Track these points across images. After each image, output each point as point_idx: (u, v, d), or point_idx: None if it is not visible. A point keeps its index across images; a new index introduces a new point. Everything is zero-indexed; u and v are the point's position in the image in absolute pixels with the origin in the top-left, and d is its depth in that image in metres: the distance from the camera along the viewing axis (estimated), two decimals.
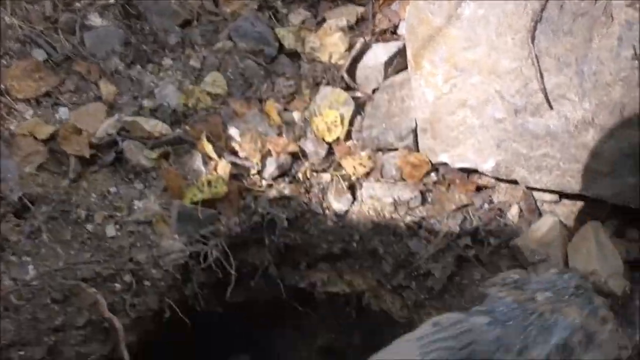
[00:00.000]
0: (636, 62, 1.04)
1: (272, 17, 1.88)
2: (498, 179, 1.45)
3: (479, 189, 1.49)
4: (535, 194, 1.41)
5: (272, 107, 1.64)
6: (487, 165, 1.42)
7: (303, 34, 1.82)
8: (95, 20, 1.71)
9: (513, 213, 1.43)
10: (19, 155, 1.42)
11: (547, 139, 1.28)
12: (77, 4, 1.70)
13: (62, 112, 1.53)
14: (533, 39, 1.22)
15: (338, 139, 1.59)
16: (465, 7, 1.34)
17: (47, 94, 1.54)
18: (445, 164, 1.52)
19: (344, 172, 1.55)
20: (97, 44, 1.66)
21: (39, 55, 1.59)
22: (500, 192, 1.46)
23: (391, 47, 1.63)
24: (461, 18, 1.35)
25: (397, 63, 1.63)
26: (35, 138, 1.44)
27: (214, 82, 1.70)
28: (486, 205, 1.46)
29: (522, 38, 1.24)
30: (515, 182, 1.41)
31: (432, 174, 1.54)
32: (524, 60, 1.25)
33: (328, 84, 1.68)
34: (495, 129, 1.36)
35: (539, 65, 1.22)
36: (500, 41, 1.29)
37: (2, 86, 1.50)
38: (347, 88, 1.68)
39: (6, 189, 1.35)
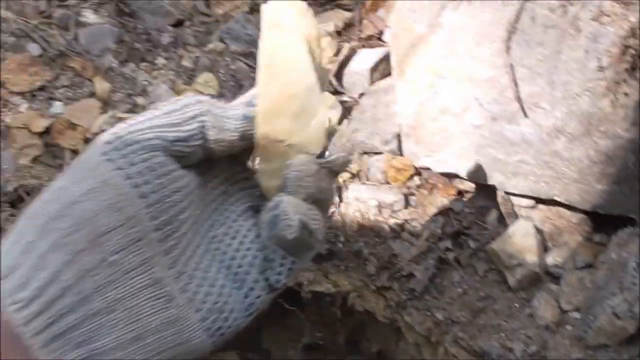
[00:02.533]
0: (601, 73, 1.08)
1: None
2: (477, 184, 1.49)
3: (460, 193, 1.53)
4: (513, 199, 1.45)
5: None
6: (466, 171, 1.46)
7: None
8: (89, 17, 1.75)
9: (492, 217, 1.47)
10: (15, 147, 1.46)
11: (523, 145, 1.32)
12: (72, 0, 1.74)
13: (57, 107, 1.57)
14: (508, 49, 1.26)
15: None
16: (446, 16, 1.38)
17: (42, 88, 1.58)
18: (428, 169, 1.56)
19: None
20: (91, 41, 1.70)
21: (34, 49, 1.62)
22: (479, 197, 1.50)
23: (377, 53, 1.67)
24: (443, 27, 1.39)
25: (383, 69, 1.67)
26: (30, 131, 1.49)
27: (206, 82, 1.74)
28: (466, 210, 1.50)
29: (498, 48, 1.28)
30: (493, 187, 1.45)
31: (416, 178, 1.58)
32: (500, 69, 1.29)
33: None
34: (474, 135, 1.40)
35: (513, 75, 1.26)
36: (478, 50, 1.33)
37: None
38: (335, 92, 1.72)
39: (3, 180, 1.39)
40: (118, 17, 1.77)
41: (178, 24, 1.84)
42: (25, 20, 1.64)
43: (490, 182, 1.43)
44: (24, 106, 1.54)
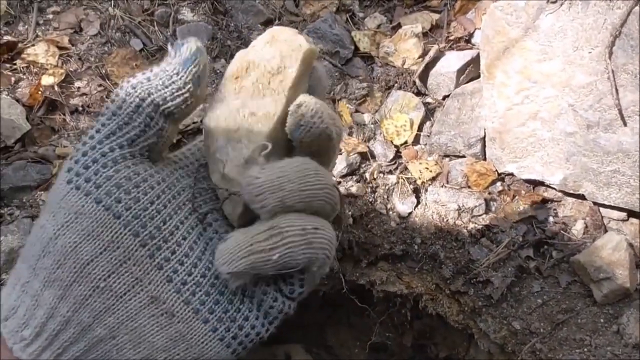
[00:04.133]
0: None
1: (349, 20, 1.94)
2: (565, 193, 1.44)
3: (544, 201, 1.49)
4: (603, 210, 1.40)
5: (345, 107, 1.70)
6: (554, 179, 1.41)
7: (378, 38, 1.87)
8: (186, 14, 1.83)
9: (578, 228, 1.42)
10: None
11: (619, 155, 1.26)
12: None
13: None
14: (610, 54, 1.21)
15: (406, 142, 1.63)
16: (543, 20, 1.34)
17: None
18: (511, 174, 1.53)
19: (410, 175, 1.59)
20: (187, 37, 1.77)
21: (136, 44, 1.72)
22: (566, 206, 1.45)
23: (464, 56, 1.65)
24: (538, 30, 1.35)
25: (469, 71, 1.64)
26: None
27: None
28: (551, 219, 1.46)
29: (599, 53, 1.24)
30: (582, 197, 1.40)
31: (498, 184, 1.55)
32: (600, 75, 1.24)
33: (400, 88, 1.73)
34: (566, 142, 1.36)
35: (615, 81, 1.21)
36: (576, 55, 1.29)
37: (104, 71, 1.65)
38: (418, 93, 1.71)
39: None
40: (212, 15, 1.84)
41: (268, 22, 1.89)
42: (130, 17, 1.73)
43: (580, 191, 1.38)
44: None
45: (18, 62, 1.61)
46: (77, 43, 1.70)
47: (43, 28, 1.71)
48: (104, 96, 1.62)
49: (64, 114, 1.56)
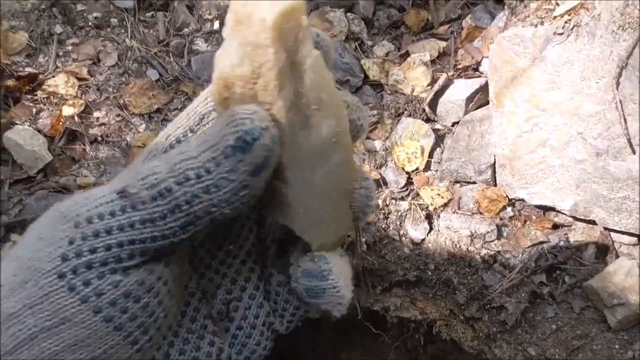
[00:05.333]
0: None
1: (358, 48, 1.98)
2: (575, 218, 1.46)
3: (555, 226, 1.51)
4: (613, 235, 1.42)
5: None
6: (565, 204, 1.44)
7: (387, 66, 1.91)
8: (201, 45, 1.88)
9: (589, 253, 1.44)
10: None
11: (629, 182, 1.29)
12: (186, 30, 1.88)
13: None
14: (618, 84, 1.24)
15: (417, 169, 1.66)
16: (550, 50, 1.38)
17: (158, 110, 1.72)
18: (522, 200, 1.55)
19: (422, 201, 1.62)
20: (201, 67, 1.82)
21: (153, 75, 1.77)
22: (576, 232, 1.48)
23: (473, 84, 1.69)
24: (545, 60, 1.39)
25: (478, 99, 1.68)
26: None
27: None
28: (562, 244, 1.48)
29: (606, 83, 1.27)
30: (593, 222, 1.42)
31: (509, 209, 1.58)
32: (608, 104, 1.28)
33: (410, 115, 1.76)
34: (576, 169, 1.38)
35: (622, 111, 1.24)
36: (584, 85, 1.32)
37: (122, 101, 1.69)
38: (427, 120, 1.75)
39: None
40: None
41: None
42: (146, 49, 1.78)
43: (591, 217, 1.40)
44: (142, 127, 1.67)
45: (39, 93, 1.66)
46: (95, 74, 1.75)
47: (63, 59, 1.76)
48: (122, 126, 1.66)
49: (84, 144, 1.60)
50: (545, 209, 1.53)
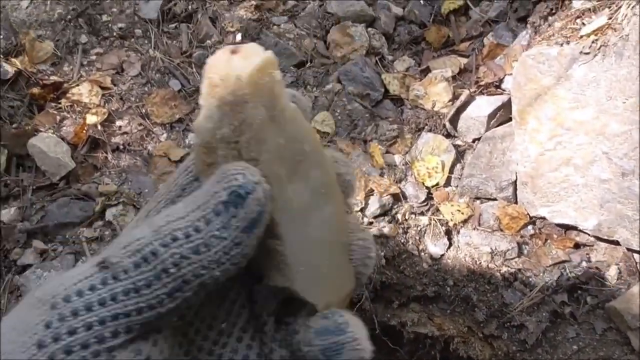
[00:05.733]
0: None
1: (379, 63, 1.99)
2: (598, 238, 1.45)
3: (577, 246, 1.50)
4: (637, 256, 1.40)
5: (376, 148, 1.73)
6: (588, 224, 1.43)
7: (407, 81, 1.92)
8: None
9: (612, 274, 1.43)
10: (155, 173, 1.60)
11: None
12: (209, 42, 1.90)
13: (191, 138, 1.71)
14: None
15: (438, 184, 1.66)
16: (575, 69, 1.38)
17: (180, 120, 1.73)
18: (543, 218, 1.55)
19: (441, 217, 1.61)
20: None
21: (175, 85, 1.78)
22: (599, 251, 1.46)
23: (495, 101, 1.69)
24: (571, 79, 1.39)
25: (500, 116, 1.68)
26: (169, 159, 1.62)
27: (324, 121, 1.83)
28: (584, 263, 1.47)
29: (633, 103, 1.27)
30: (616, 242, 1.41)
31: (529, 227, 1.57)
32: (634, 124, 1.27)
33: (430, 130, 1.76)
34: (600, 189, 1.38)
35: None
36: (610, 104, 1.32)
37: (144, 110, 1.70)
38: (448, 135, 1.75)
39: (144, 201, 1.52)
40: None
41: (300, 65, 1.95)
42: (169, 59, 1.80)
43: (614, 237, 1.39)
44: (163, 136, 1.68)
45: (63, 101, 1.68)
46: (118, 83, 1.76)
47: (87, 69, 1.78)
48: (144, 135, 1.67)
49: (106, 152, 1.61)
50: (567, 227, 1.52)
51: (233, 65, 0.36)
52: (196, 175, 0.39)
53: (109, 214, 1.50)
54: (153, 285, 0.32)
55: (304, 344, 0.38)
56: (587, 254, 1.49)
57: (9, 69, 1.66)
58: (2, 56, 1.69)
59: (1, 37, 1.73)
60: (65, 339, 0.31)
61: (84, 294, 0.32)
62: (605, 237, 1.42)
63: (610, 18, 1.33)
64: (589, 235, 1.48)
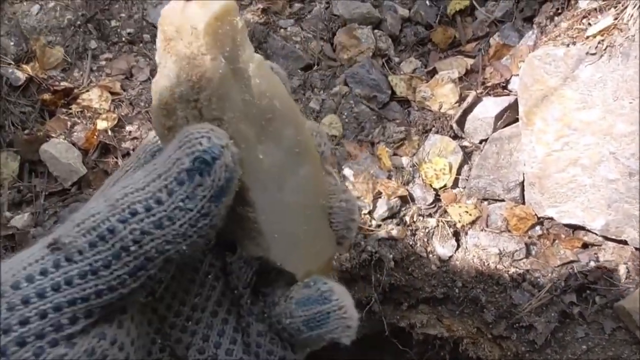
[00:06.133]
0: None
1: (385, 64, 2.00)
2: (606, 238, 1.46)
3: (585, 246, 1.50)
4: None
5: (384, 151, 1.74)
6: (596, 224, 1.43)
7: (414, 82, 1.92)
8: None
9: (620, 273, 1.43)
10: None
11: None
12: None
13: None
14: None
15: (445, 186, 1.67)
16: (582, 70, 1.38)
17: None
18: (550, 219, 1.55)
19: (449, 218, 1.62)
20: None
21: None
22: (607, 251, 1.47)
23: (502, 102, 1.69)
24: (577, 80, 1.39)
25: (507, 117, 1.68)
26: None
27: (331, 124, 1.84)
28: (592, 263, 1.47)
29: None
30: (624, 242, 1.41)
31: (537, 228, 1.57)
32: None
33: (437, 132, 1.77)
34: (607, 189, 1.38)
35: None
36: (617, 105, 1.32)
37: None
38: (455, 137, 1.75)
39: None
40: None
41: (307, 67, 1.96)
42: None
43: (622, 237, 1.39)
44: None
45: (73, 107, 1.70)
46: (128, 88, 1.78)
47: (97, 74, 1.80)
48: None
49: (117, 157, 1.63)
50: (575, 228, 1.52)
51: (188, 15, 0.32)
52: (155, 133, 0.36)
53: None
54: (112, 266, 0.29)
55: (284, 316, 0.35)
56: (595, 253, 1.50)
57: (20, 76, 1.68)
58: (13, 63, 1.71)
59: (12, 43, 1.76)
60: (17, 329, 0.28)
61: (35, 279, 0.29)
62: (613, 237, 1.42)
63: (616, 18, 1.33)
64: (596, 235, 1.48)
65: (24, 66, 1.71)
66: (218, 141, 0.30)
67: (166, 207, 0.29)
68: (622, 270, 1.44)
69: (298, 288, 0.36)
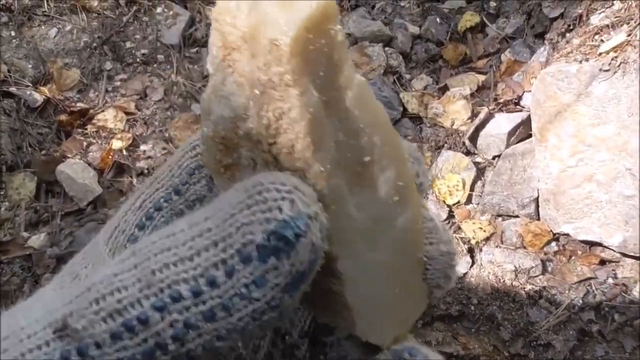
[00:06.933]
0: None
1: (396, 81, 2.01)
2: (624, 255, 1.44)
3: (602, 262, 1.49)
4: None
5: None
6: (613, 240, 1.42)
7: (426, 99, 1.93)
8: None
9: (639, 290, 1.41)
10: None
11: None
12: None
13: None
14: None
15: (459, 202, 1.66)
16: (595, 86, 1.38)
17: None
18: (566, 235, 1.54)
19: (463, 235, 1.62)
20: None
21: (197, 109, 1.82)
22: (625, 268, 1.45)
23: (514, 118, 1.69)
24: (591, 96, 1.39)
25: (520, 133, 1.68)
26: None
27: None
28: (610, 280, 1.46)
29: None
30: None
31: (553, 244, 1.56)
32: None
33: (450, 148, 1.77)
34: (624, 205, 1.37)
35: None
36: (631, 121, 1.32)
37: (167, 135, 1.74)
38: (467, 153, 1.75)
39: None
40: None
41: None
42: (191, 83, 1.84)
43: None
44: None
45: (89, 127, 1.72)
46: (142, 108, 1.81)
47: (112, 94, 1.82)
48: (167, 159, 1.70)
49: (131, 177, 1.65)
50: (592, 244, 1.51)
51: (264, 18, 0.22)
52: (206, 168, 0.27)
53: None
54: None
55: None
56: (613, 270, 1.48)
57: (38, 97, 1.71)
58: (31, 85, 1.74)
59: (30, 66, 1.79)
60: None
61: None
62: (632, 254, 1.41)
63: (629, 35, 1.33)
64: (614, 251, 1.47)
65: (42, 88, 1.74)
66: (305, 209, 0.21)
67: (222, 293, 0.21)
68: None
69: (382, 358, 0.28)
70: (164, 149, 1.73)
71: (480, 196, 1.67)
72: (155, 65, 1.90)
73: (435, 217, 0.30)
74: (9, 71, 1.72)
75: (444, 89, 1.95)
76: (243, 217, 0.21)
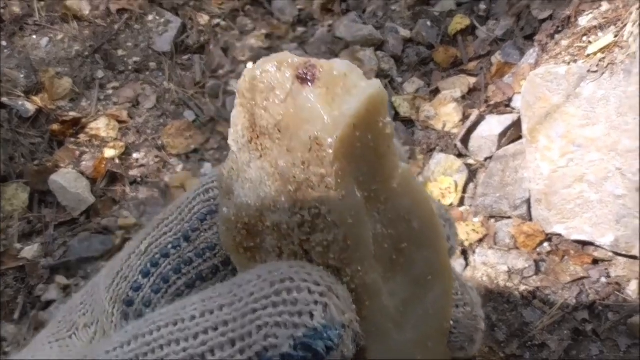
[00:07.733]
0: None
1: (389, 85, 2.02)
2: (616, 254, 1.45)
3: (595, 261, 1.50)
4: None
5: None
6: (605, 240, 1.43)
7: (417, 102, 1.94)
8: (235, 86, 1.94)
9: (632, 288, 1.42)
10: None
11: None
12: (221, 71, 1.94)
13: (207, 168, 1.74)
14: None
15: (451, 204, 1.67)
16: (584, 87, 1.39)
17: (195, 151, 1.76)
18: (559, 235, 1.55)
19: (457, 237, 1.62)
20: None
21: (190, 116, 1.82)
22: (617, 266, 1.46)
23: (505, 120, 1.70)
24: (580, 97, 1.40)
25: (511, 134, 1.69)
26: (185, 190, 1.65)
27: None
28: (603, 279, 1.46)
29: None
30: (635, 257, 1.41)
31: (546, 244, 1.57)
32: None
33: (442, 151, 1.78)
34: (615, 204, 1.38)
35: None
36: (620, 121, 1.33)
37: (160, 142, 1.74)
38: (459, 155, 1.76)
39: None
40: None
41: None
42: (183, 90, 1.85)
43: (633, 252, 1.39)
44: (179, 167, 1.72)
45: (82, 136, 1.72)
46: (135, 116, 1.81)
47: (104, 103, 1.82)
48: (160, 167, 1.70)
49: (124, 185, 1.65)
50: (584, 243, 1.52)
51: (304, 108, 0.19)
52: (223, 246, 0.25)
53: None
54: None
55: None
56: (606, 269, 1.49)
57: (30, 107, 1.71)
58: (23, 95, 1.74)
59: (22, 76, 1.79)
60: None
61: None
62: (624, 253, 1.42)
63: (616, 36, 1.35)
64: (607, 250, 1.48)
65: (34, 98, 1.74)
66: (339, 317, 0.19)
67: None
68: (634, 285, 1.43)
69: None
70: (156, 156, 1.73)
71: (473, 198, 1.68)
72: (147, 72, 1.90)
73: (461, 276, 0.28)
74: (0, 81, 1.72)
75: (436, 91, 1.96)
76: (267, 316, 0.18)
